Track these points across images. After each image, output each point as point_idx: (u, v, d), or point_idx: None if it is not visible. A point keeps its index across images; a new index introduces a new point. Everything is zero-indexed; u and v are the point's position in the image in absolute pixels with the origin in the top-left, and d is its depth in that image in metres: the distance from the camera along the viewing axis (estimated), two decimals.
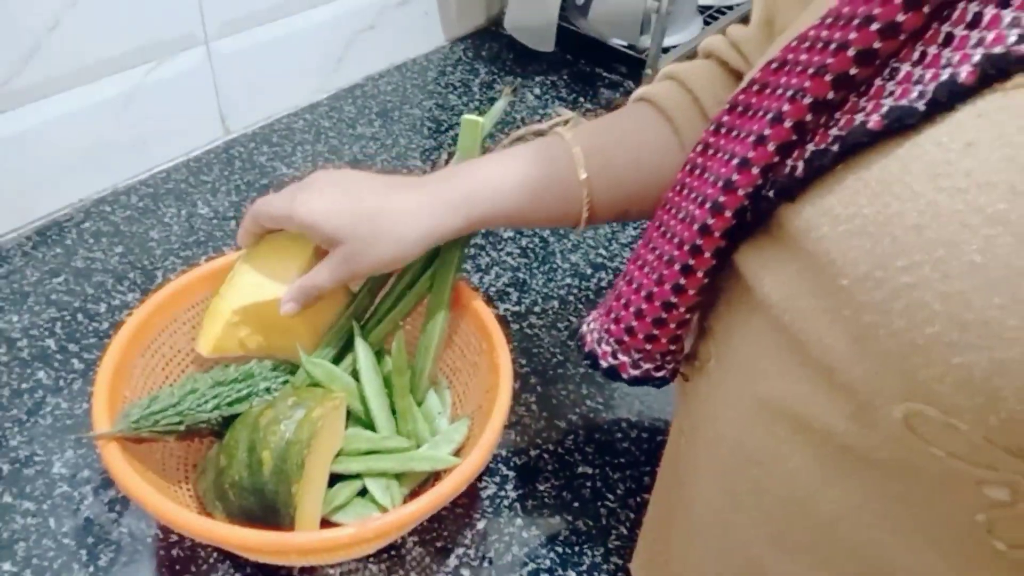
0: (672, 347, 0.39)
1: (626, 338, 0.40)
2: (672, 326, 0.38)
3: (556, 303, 0.71)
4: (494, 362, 0.51)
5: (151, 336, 0.52)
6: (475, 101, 0.95)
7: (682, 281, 0.35)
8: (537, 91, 0.98)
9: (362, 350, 0.53)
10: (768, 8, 0.46)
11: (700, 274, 0.35)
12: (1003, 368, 0.23)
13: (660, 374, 0.42)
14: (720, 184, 0.32)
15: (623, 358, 0.41)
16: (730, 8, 1.10)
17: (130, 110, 0.75)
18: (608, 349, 0.42)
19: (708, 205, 0.33)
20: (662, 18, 0.92)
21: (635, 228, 0.80)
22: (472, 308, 0.54)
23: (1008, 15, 0.24)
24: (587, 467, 0.58)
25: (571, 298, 0.71)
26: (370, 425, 0.53)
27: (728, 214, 0.32)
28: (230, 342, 0.53)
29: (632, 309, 0.39)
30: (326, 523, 0.49)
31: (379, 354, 0.55)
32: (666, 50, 0.98)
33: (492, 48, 1.06)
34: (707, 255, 0.34)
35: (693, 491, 0.40)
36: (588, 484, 0.57)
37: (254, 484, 0.47)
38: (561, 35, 0.99)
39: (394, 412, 0.54)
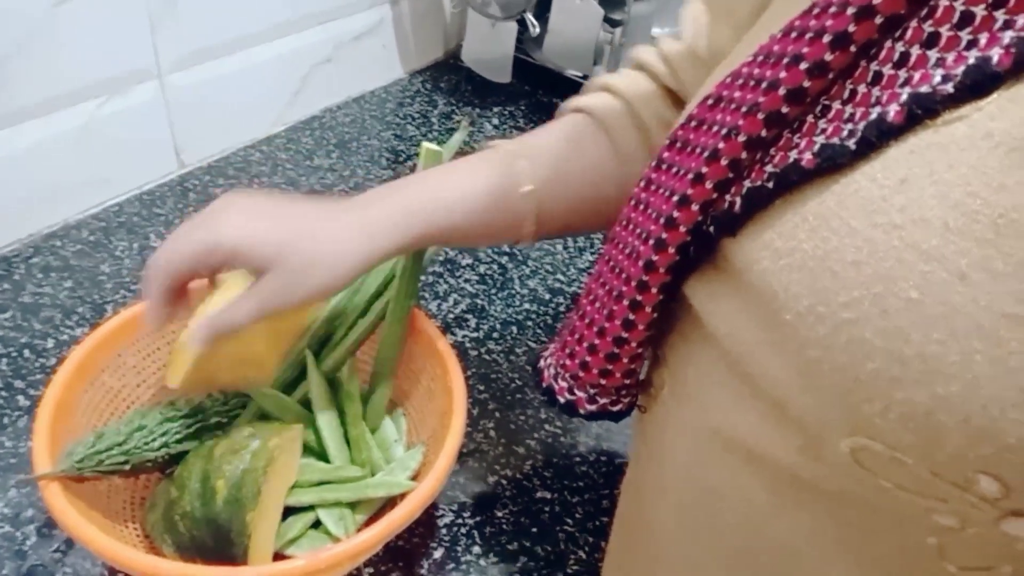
0: (627, 381, 0.39)
1: (581, 374, 0.40)
2: (625, 361, 0.38)
3: (515, 329, 0.71)
4: (447, 386, 0.50)
5: (95, 372, 0.51)
6: (434, 132, 0.96)
7: (631, 316, 0.35)
8: (495, 121, 0.99)
9: (315, 379, 0.53)
10: (696, 26, 0.47)
11: (648, 309, 0.35)
12: (945, 404, 0.23)
13: (617, 408, 0.42)
14: (662, 220, 0.32)
15: (579, 393, 0.41)
16: None
17: (82, 144, 0.74)
18: (564, 385, 0.42)
19: (652, 241, 0.33)
20: (616, 49, 0.94)
21: (592, 253, 0.81)
22: (426, 334, 0.54)
23: (933, 55, 0.24)
24: (546, 492, 0.58)
25: (529, 323, 0.72)
26: (323, 455, 0.52)
27: (671, 250, 0.32)
28: (200, 375, 0.51)
29: (585, 344, 0.39)
30: (279, 557, 0.48)
31: (333, 382, 0.55)
32: None
33: (450, 80, 1.07)
34: (654, 290, 0.34)
35: (653, 517, 0.40)
36: (547, 509, 0.57)
37: (207, 514, 0.46)
38: (518, 66, 1.01)
39: (348, 441, 0.53)
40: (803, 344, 0.26)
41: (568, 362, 0.40)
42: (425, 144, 0.52)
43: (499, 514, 0.56)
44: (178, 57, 0.78)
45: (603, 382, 0.39)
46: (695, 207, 0.31)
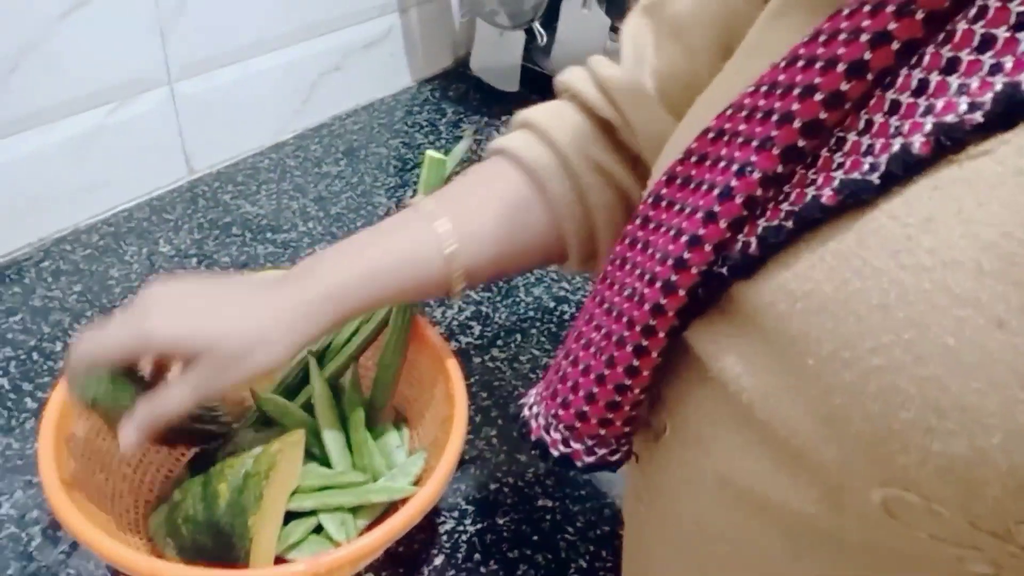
0: (627, 429, 0.37)
1: (578, 424, 0.37)
2: (627, 408, 0.35)
3: (519, 336, 0.71)
4: (449, 393, 0.51)
5: None
6: (442, 140, 0.97)
7: (636, 363, 0.33)
8: (503, 130, 0.99)
9: (318, 384, 0.53)
10: (638, 49, 0.45)
11: (654, 354, 0.33)
12: (985, 456, 0.22)
13: (615, 458, 0.39)
14: (670, 262, 0.30)
15: (576, 445, 0.38)
16: None
17: (92, 150, 0.75)
18: (558, 436, 0.39)
19: (659, 284, 0.31)
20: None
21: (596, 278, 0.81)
22: (429, 340, 0.54)
23: (954, 82, 0.23)
24: (547, 500, 0.58)
25: (533, 331, 0.72)
26: (325, 461, 0.53)
27: (682, 293, 0.30)
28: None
29: (582, 393, 0.36)
30: (281, 561, 0.49)
31: (336, 388, 0.55)
32: None
33: (459, 89, 1.08)
34: (661, 335, 0.32)
35: (658, 562, 0.39)
36: (548, 517, 0.57)
37: (209, 518, 0.46)
38: (526, 75, 1.01)
39: (350, 447, 0.53)
40: (827, 391, 0.25)
41: (562, 412, 0.38)
42: (429, 152, 0.53)
43: (500, 521, 0.56)
44: (187, 64, 0.79)
45: (603, 432, 0.37)
46: (708, 247, 0.29)
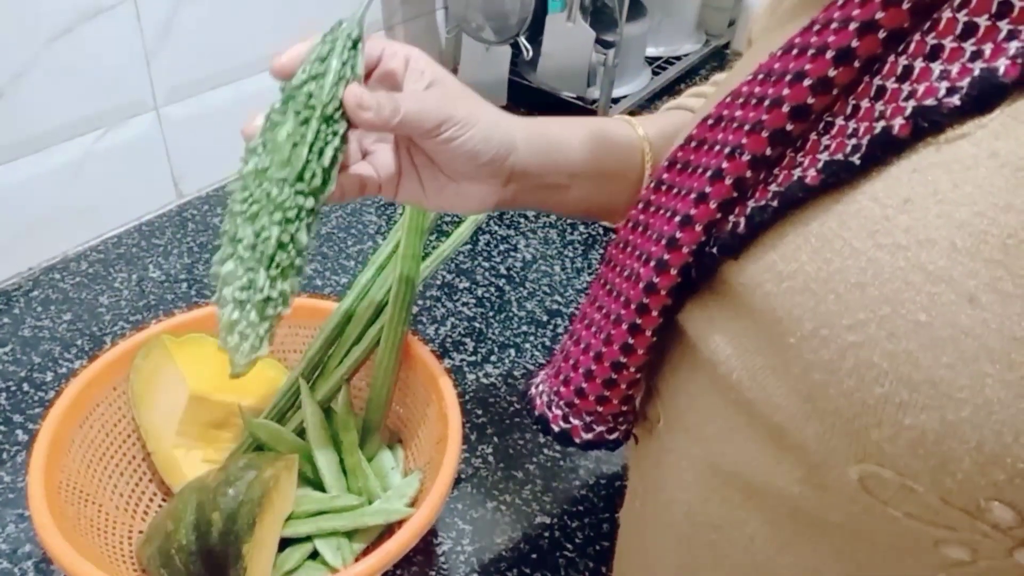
0: (624, 408, 0.38)
1: (577, 400, 0.38)
2: (623, 386, 0.37)
3: (513, 351, 0.71)
4: (443, 413, 0.50)
5: (89, 407, 0.51)
6: None
7: (630, 340, 0.34)
8: None
9: (309, 407, 0.53)
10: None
11: (648, 333, 0.34)
12: (955, 430, 0.22)
13: (613, 436, 0.41)
14: (664, 242, 0.32)
15: (575, 421, 0.40)
16: (677, 59, 1.14)
17: (80, 177, 0.75)
18: (559, 412, 0.40)
19: (653, 263, 0.32)
20: (610, 70, 0.95)
21: (590, 274, 0.81)
22: (421, 360, 0.54)
23: (937, 68, 0.24)
24: (545, 517, 0.57)
25: (527, 346, 0.71)
26: (319, 485, 0.52)
27: (673, 272, 0.32)
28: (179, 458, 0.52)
29: (581, 370, 0.38)
30: None
31: (328, 411, 0.55)
32: (616, 100, 1.01)
33: None
34: (654, 313, 0.33)
35: (653, 552, 0.40)
36: (546, 535, 0.56)
37: (202, 547, 0.45)
38: (513, 89, 1.02)
39: (344, 470, 0.53)
40: (807, 368, 0.25)
41: (563, 389, 0.39)
42: None
43: (498, 540, 0.55)
44: (174, 88, 0.79)
45: (600, 409, 0.38)
46: (699, 227, 0.30)
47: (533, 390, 0.43)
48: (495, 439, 0.63)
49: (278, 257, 0.40)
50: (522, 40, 0.95)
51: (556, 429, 0.41)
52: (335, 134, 0.39)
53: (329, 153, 0.39)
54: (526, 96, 1.04)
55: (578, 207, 0.50)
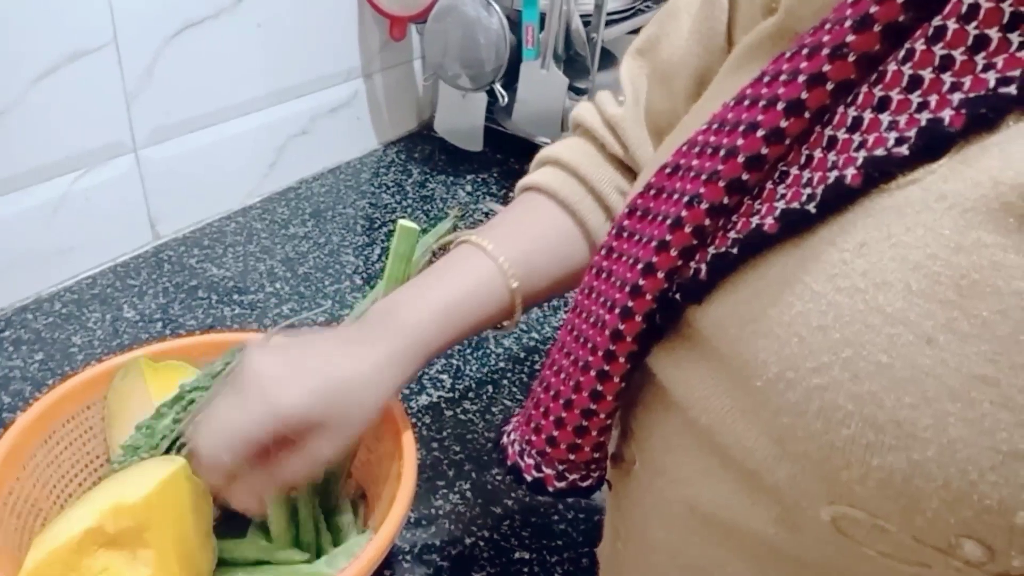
0: (596, 455, 0.38)
1: (548, 449, 0.38)
2: (594, 433, 0.37)
3: (490, 388, 0.71)
4: (399, 472, 0.47)
5: (56, 423, 0.49)
6: (408, 199, 0.98)
7: (599, 387, 0.35)
8: (468, 188, 1.01)
9: None
10: (635, 89, 0.48)
11: (617, 379, 0.34)
12: (923, 469, 0.22)
13: (586, 484, 0.41)
14: (627, 289, 0.32)
15: (547, 470, 0.40)
16: None
17: (57, 218, 0.74)
18: (531, 462, 0.40)
19: (618, 310, 0.33)
20: None
21: (566, 311, 0.81)
22: (390, 412, 0.50)
23: (886, 119, 0.25)
24: (524, 552, 0.57)
25: (505, 382, 0.72)
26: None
27: (638, 319, 0.32)
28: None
29: (552, 418, 0.38)
30: None
31: None
32: None
33: (424, 150, 1.10)
34: (621, 360, 0.33)
35: None
36: (526, 570, 0.56)
37: None
38: (489, 135, 1.04)
39: (297, 521, 0.50)
40: (775, 411, 0.26)
41: (534, 437, 0.39)
42: (401, 222, 0.51)
43: None
44: (154, 130, 0.80)
45: (572, 457, 0.38)
46: (660, 275, 0.31)
47: (505, 439, 0.43)
48: (473, 475, 0.62)
49: None
50: (497, 87, 0.97)
51: (529, 479, 0.40)
52: None
53: (190, 446, 0.46)
54: (501, 142, 1.07)
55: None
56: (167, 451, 0.49)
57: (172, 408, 0.49)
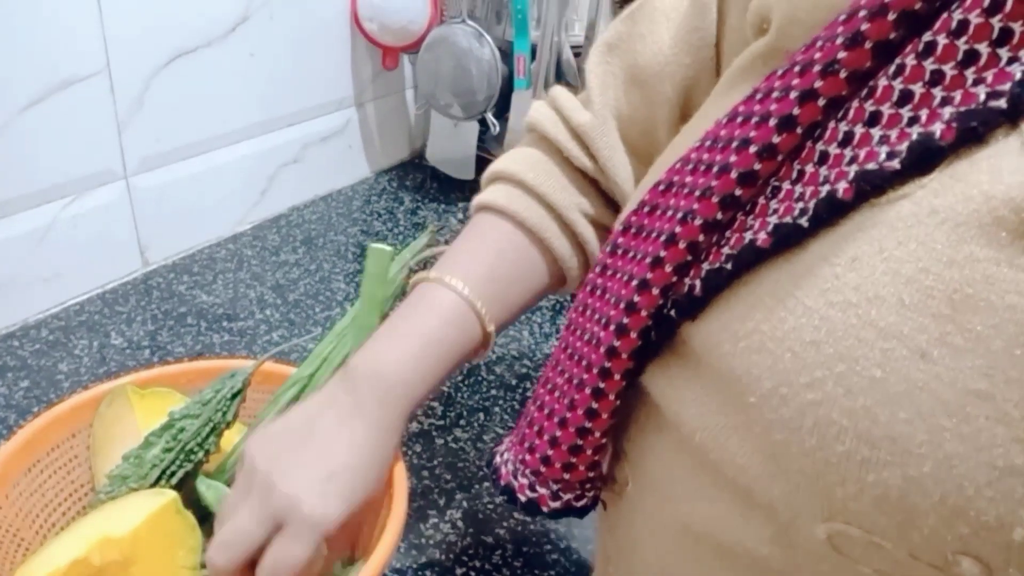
0: (590, 474, 0.38)
1: (543, 469, 0.38)
2: (588, 452, 0.36)
3: (482, 415, 0.70)
4: (388, 505, 0.45)
5: (41, 451, 0.48)
6: (400, 227, 0.98)
7: (594, 405, 0.34)
8: (460, 216, 1.02)
9: None
10: (605, 92, 0.45)
11: (612, 396, 0.34)
12: (918, 485, 0.22)
13: (580, 504, 0.40)
14: (622, 305, 0.32)
15: (541, 490, 0.39)
16: None
17: (45, 245, 0.74)
18: (525, 482, 0.40)
19: (613, 327, 0.32)
20: None
21: (558, 339, 0.81)
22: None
23: (877, 133, 0.25)
24: None
25: (496, 410, 0.71)
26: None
27: (633, 335, 0.32)
28: None
29: (546, 437, 0.37)
30: None
31: None
32: None
33: (416, 178, 1.10)
34: (617, 377, 0.33)
35: None
36: None
37: None
38: (480, 164, 1.04)
39: None
40: (769, 427, 0.25)
41: (528, 457, 0.39)
42: (372, 244, 0.50)
43: None
44: (145, 158, 0.80)
45: (566, 476, 0.37)
46: (655, 291, 0.31)
47: (498, 459, 0.42)
48: (464, 504, 0.61)
49: None
50: (489, 116, 0.98)
51: (523, 499, 0.40)
52: (190, 462, 0.48)
53: (180, 475, 0.48)
54: None
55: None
56: (156, 481, 0.48)
57: (161, 437, 0.48)
